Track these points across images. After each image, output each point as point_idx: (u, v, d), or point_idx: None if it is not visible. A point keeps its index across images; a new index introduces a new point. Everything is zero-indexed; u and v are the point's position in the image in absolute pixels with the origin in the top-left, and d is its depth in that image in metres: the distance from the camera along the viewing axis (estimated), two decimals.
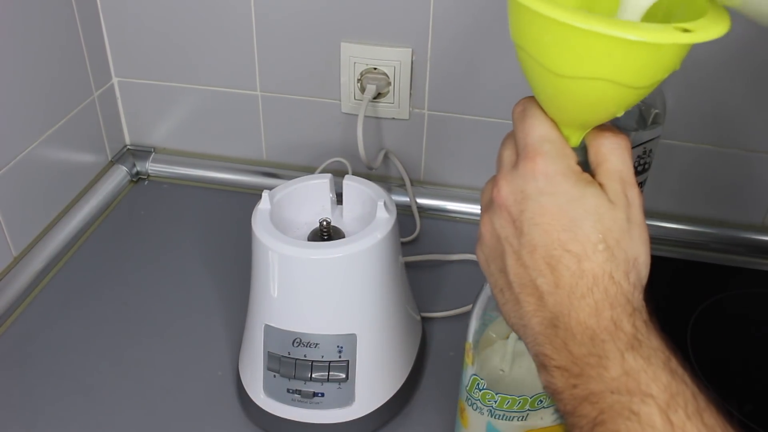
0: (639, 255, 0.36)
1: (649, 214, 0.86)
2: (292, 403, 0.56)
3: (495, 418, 0.47)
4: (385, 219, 0.54)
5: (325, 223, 0.57)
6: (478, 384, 0.46)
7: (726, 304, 0.70)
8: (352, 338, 0.54)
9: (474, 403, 0.47)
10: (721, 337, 0.67)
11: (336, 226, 0.58)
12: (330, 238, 0.57)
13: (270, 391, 0.56)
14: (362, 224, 0.56)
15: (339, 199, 0.60)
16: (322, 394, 0.55)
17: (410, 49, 0.76)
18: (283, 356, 0.55)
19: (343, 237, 0.56)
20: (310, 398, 0.55)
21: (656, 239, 0.79)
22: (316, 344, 0.54)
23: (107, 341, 0.66)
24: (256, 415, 0.58)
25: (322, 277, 0.53)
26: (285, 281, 0.54)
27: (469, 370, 0.47)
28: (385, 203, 0.55)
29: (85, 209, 0.80)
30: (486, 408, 0.47)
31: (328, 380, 0.55)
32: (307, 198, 0.60)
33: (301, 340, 0.54)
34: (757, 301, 0.72)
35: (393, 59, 0.76)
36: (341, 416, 0.56)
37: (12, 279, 0.70)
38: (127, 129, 0.89)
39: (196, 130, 0.87)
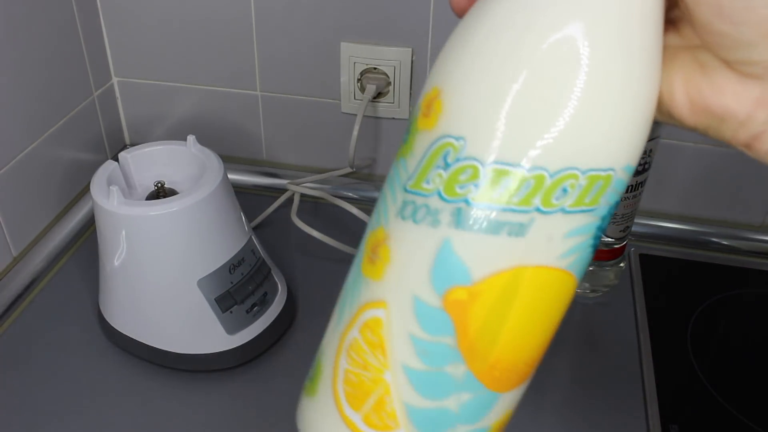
0: None
1: (649, 213, 0.86)
2: (254, 319, 0.62)
3: (463, 227, 0.25)
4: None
5: (159, 185, 0.61)
6: (446, 155, 0.25)
7: (726, 304, 0.70)
8: None
9: (424, 211, 0.25)
10: (721, 337, 0.67)
11: (171, 187, 0.63)
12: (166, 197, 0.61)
13: (234, 326, 0.60)
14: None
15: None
16: (265, 294, 0.62)
17: (410, 49, 0.76)
18: (228, 289, 0.59)
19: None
20: (261, 304, 0.62)
21: (656, 239, 0.79)
22: (242, 260, 0.61)
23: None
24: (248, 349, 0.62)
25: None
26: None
27: (428, 137, 0.26)
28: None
29: (85, 209, 0.80)
30: (451, 206, 0.25)
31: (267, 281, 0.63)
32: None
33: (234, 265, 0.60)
34: (757, 301, 0.72)
35: (393, 59, 0.76)
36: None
37: (12, 279, 0.70)
38: (127, 129, 0.89)
39: (196, 130, 0.87)
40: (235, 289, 0.60)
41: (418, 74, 0.77)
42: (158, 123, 0.88)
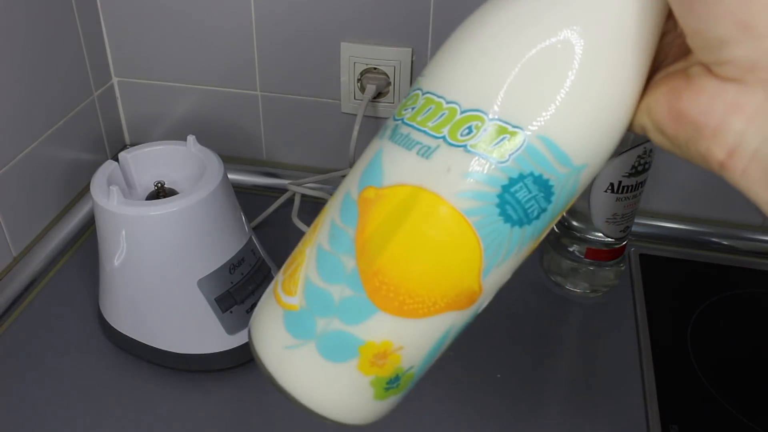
0: None
1: (649, 214, 0.86)
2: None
3: (394, 140, 0.30)
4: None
5: (159, 185, 0.62)
6: (412, 89, 0.32)
7: (726, 304, 0.70)
8: None
9: (383, 128, 0.32)
10: (721, 337, 0.67)
11: (171, 187, 0.63)
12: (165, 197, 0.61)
13: (234, 326, 0.60)
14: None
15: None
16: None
17: (410, 49, 0.76)
18: (228, 290, 0.59)
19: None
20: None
21: (656, 239, 0.79)
22: (242, 260, 0.60)
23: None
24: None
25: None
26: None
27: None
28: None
29: (85, 209, 0.80)
30: (393, 124, 0.31)
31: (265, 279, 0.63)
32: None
33: (234, 265, 0.60)
34: (757, 301, 0.72)
35: (393, 59, 0.76)
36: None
37: (12, 279, 0.70)
38: (127, 129, 0.89)
39: (196, 130, 0.87)
40: (235, 289, 0.60)
41: (418, 74, 0.77)
42: (158, 123, 0.88)
